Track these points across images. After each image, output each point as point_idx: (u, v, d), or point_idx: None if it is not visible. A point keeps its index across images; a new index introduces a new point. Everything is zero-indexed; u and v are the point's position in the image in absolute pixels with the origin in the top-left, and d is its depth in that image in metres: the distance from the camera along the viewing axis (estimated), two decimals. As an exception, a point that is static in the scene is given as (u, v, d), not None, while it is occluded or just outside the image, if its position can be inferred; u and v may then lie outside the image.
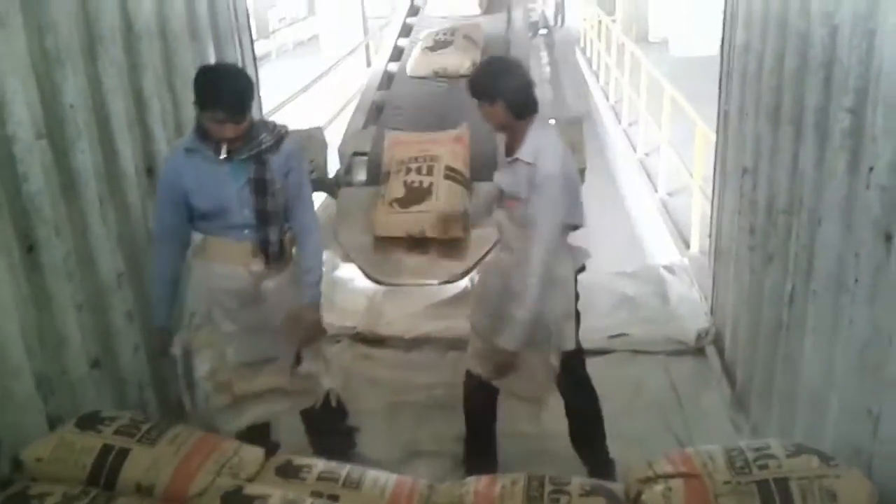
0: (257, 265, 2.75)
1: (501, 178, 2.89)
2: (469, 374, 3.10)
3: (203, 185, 2.63)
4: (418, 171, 3.55)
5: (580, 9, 16.31)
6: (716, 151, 4.31)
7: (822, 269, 2.62)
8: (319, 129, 4.18)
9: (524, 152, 2.74)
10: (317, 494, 2.32)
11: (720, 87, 4.15)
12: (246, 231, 2.71)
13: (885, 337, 2.18)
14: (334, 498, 2.34)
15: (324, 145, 4.08)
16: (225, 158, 2.60)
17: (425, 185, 3.49)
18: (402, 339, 4.52)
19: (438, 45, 5.66)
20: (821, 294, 2.64)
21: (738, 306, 3.79)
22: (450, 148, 3.76)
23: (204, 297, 2.76)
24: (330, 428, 3.19)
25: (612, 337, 4.35)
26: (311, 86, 8.52)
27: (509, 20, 7.16)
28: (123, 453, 2.34)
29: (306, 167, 2.97)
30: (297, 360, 2.89)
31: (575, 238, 2.95)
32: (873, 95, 2.25)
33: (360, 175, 4.20)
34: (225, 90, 2.52)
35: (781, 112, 3.05)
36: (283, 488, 2.29)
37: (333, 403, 3.05)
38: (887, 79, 2.16)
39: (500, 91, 2.72)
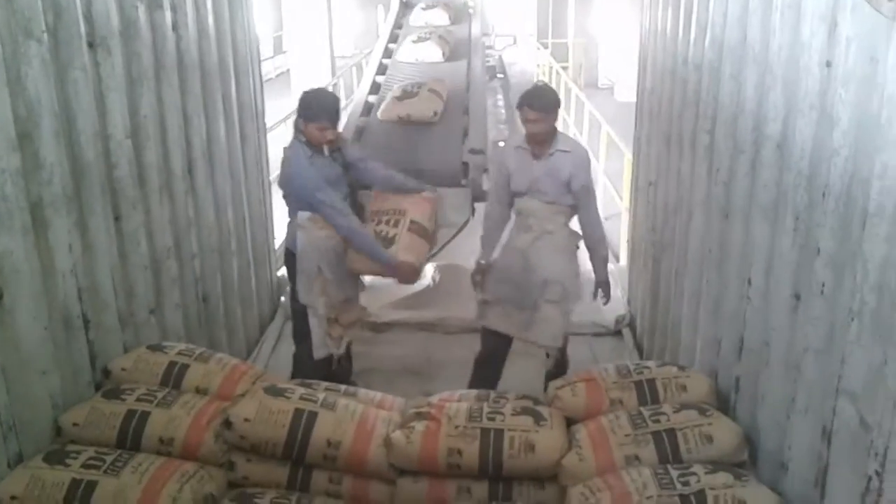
0: None
1: (538, 171, 3.82)
2: (487, 331, 4.05)
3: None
4: (387, 223, 4.07)
5: (535, 56, 17.54)
6: (632, 171, 5.36)
7: (693, 250, 3.63)
8: None
9: (562, 146, 3.81)
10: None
11: (636, 122, 5.22)
12: None
13: (726, 285, 3.17)
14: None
15: None
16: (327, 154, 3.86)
17: (390, 235, 4.02)
18: (374, 323, 5.42)
19: (406, 94, 6.29)
20: (691, 268, 3.65)
21: (644, 292, 4.80)
22: (418, 205, 4.18)
23: (314, 258, 3.84)
24: (344, 375, 4.10)
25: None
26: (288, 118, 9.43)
27: (469, 66, 8.17)
28: (185, 367, 3.22)
29: None
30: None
31: None
32: (719, 120, 3.27)
33: None
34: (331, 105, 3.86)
35: (671, 137, 4.10)
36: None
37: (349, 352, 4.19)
38: (725, 109, 3.18)
39: (558, 104, 3.85)
